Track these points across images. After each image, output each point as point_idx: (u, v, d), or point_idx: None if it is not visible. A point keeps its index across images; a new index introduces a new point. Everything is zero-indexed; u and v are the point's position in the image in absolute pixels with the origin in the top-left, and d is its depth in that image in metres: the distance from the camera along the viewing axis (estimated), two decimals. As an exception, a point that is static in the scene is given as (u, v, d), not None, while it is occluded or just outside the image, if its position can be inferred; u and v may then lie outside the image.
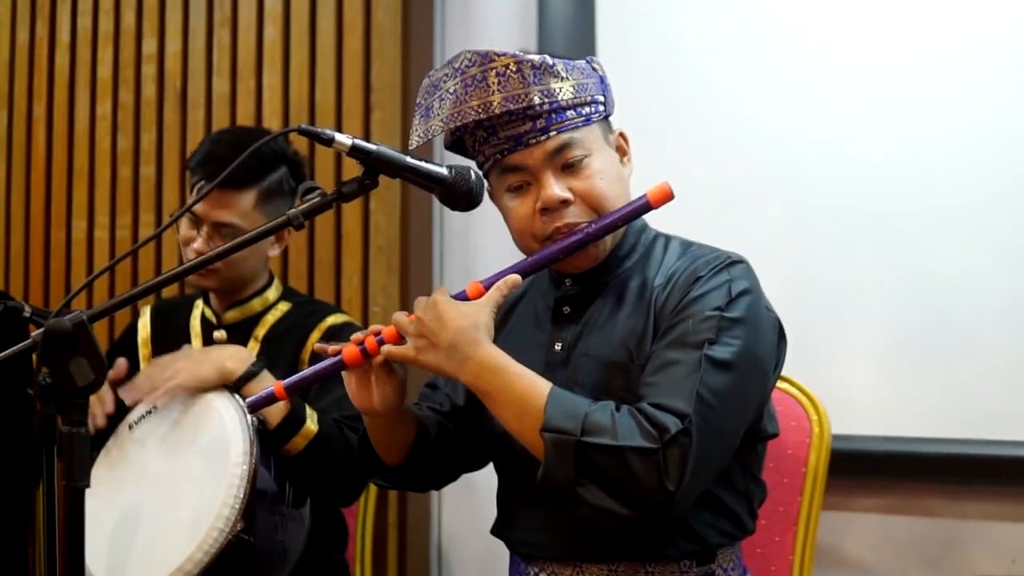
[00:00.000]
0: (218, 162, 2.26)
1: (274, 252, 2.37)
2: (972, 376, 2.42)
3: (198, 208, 2.25)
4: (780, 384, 2.21)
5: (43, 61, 3.38)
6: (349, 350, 1.65)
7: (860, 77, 2.53)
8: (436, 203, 1.72)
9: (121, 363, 2.19)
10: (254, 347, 2.31)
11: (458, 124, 1.64)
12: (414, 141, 1.67)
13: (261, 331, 2.35)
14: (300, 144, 2.99)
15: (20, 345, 1.43)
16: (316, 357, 2.23)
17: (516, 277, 1.64)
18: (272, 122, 3.08)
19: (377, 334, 1.65)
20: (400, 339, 1.63)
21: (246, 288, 2.36)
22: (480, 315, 1.60)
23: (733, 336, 1.59)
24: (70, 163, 3.34)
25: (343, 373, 1.70)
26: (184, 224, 2.28)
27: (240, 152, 2.28)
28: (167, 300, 2.58)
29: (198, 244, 2.25)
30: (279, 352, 2.28)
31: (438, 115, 1.65)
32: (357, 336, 1.68)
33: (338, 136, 1.50)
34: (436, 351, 1.59)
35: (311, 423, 2.10)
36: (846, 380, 2.51)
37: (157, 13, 3.24)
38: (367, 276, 2.98)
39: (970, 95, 2.44)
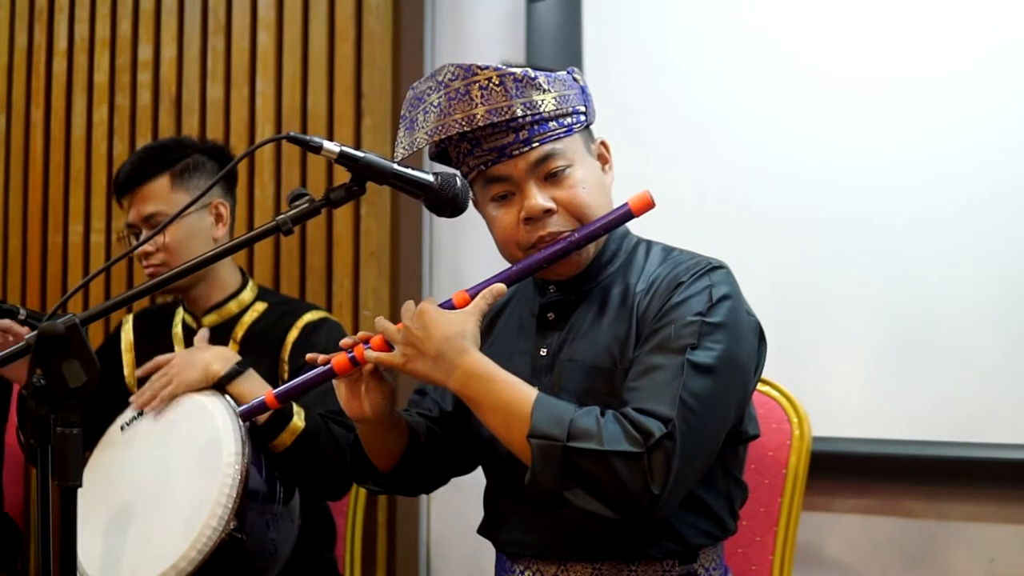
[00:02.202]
0: (132, 167, 2.33)
1: (219, 233, 2.37)
2: (953, 380, 2.43)
3: (130, 219, 2.32)
4: (762, 387, 2.23)
5: (41, 67, 3.41)
6: (338, 359, 1.67)
7: (845, 88, 2.53)
8: (425, 209, 1.74)
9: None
10: (233, 349, 2.32)
11: (442, 137, 1.66)
12: (399, 153, 1.69)
13: (239, 332, 2.37)
14: (292, 151, 3.04)
15: (14, 347, 1.45)
16: (297, 355, 2.28)
17: (501, 286, 1.66)
18: (265, 127, 3.10)
19: (365, 342, 1.67)
20: (388, 347, 1.64)
21: (217, 287, 2.39)
22: (466, 323, 1.61)
23: (714, 340, 1.61)
24: (67, 167, 3.36)
25: (333, 381, 1.72)
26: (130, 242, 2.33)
27: (150, 156, 2.36)
28: (148, 308, 2.61)
29: (145, 247, 2.29)
30: (258, 352, 2.30)
31: (422, 128, 1.67)
32: (346, 341, 1.70)
33: (326, 144, 1.51)
34: (424, 359, 1.60)
35: (298, 419, 2.13)
36: (830, 384, 2.52)
37: (153, 20, 3.27)
38: (358, 280, 3.01)
39: (954, 105, 2.45)
